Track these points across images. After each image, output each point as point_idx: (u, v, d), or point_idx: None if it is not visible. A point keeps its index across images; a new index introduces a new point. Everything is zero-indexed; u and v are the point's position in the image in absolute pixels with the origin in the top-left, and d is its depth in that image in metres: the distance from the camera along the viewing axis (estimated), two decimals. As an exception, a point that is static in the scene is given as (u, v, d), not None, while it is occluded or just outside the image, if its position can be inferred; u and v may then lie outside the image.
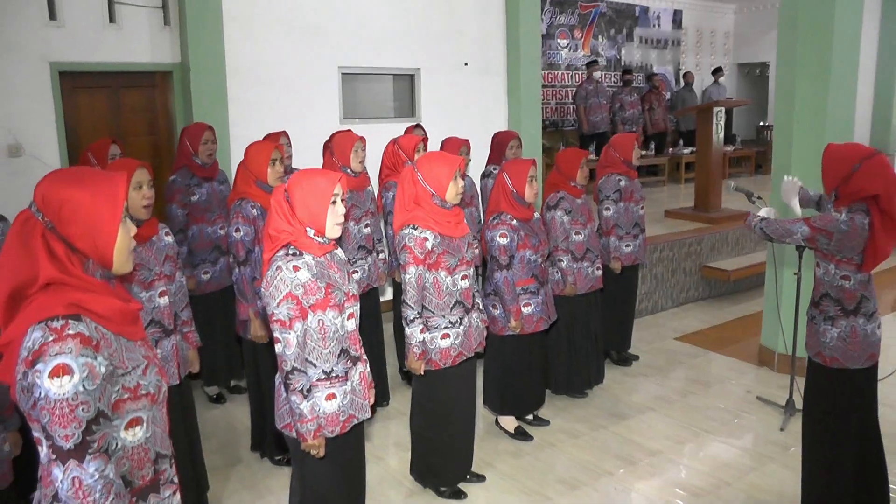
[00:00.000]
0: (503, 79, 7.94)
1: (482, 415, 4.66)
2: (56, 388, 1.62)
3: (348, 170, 4.56)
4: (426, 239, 3.44)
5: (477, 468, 4.04)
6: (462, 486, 3.88)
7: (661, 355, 5.78)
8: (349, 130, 5.19)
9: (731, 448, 4.28)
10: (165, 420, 1.97)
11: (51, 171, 1.85)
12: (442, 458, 3.78)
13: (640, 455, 4.20)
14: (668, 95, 12.05)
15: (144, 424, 1.84)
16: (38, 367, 1.63)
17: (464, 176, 5.25)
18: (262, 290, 2.66)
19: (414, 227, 3.46)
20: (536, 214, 4.36)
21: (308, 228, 2.69)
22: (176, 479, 2.00)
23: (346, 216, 4.41)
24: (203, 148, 4.77)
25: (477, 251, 5.11)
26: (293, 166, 5.24)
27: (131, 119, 6.11)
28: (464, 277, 3.58)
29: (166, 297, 3.25)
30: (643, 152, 10.69)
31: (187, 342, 3.47)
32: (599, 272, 4.86)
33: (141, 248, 3.19)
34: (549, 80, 11.13)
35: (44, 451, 1.68)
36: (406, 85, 7.59)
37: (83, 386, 1.65)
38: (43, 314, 1.67)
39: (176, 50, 6.12)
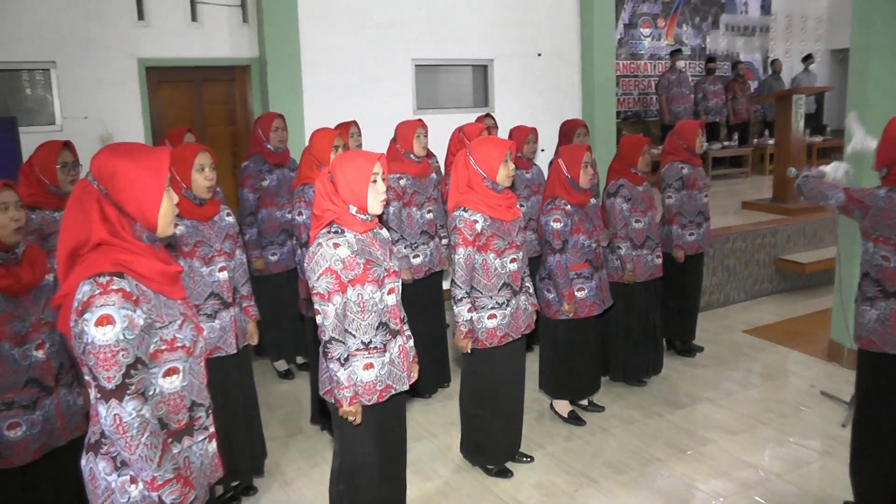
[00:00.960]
0: (577, 68, 7.94)
1: (537, 398, 4.73)
2: (100, 335, 1.84)
3: (411, 156, 4.70)
4: (476, 221, 3.54)
5: (527, 449, 4.12)
6: (509, 465, 3.96)
7: (727, 347, 5.69)
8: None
9: (787, 441, 4.20)
10: (203, 373, 2.17)
11: (106, 145, 2.05)
12: (489, 436, 3.88)
13: (692, 444, 4.18)
14: (754, 85, 11.69)
15: (181, 374, 2.04)
16: (86, 316, 1.85)
17: (516, 160, 5.34)
18: (305, 264, 2.82)
19: (465, 210, 3.57)
20: (593, 200, 4.38)
21: (351, 206, 2.83)
22: (212, 428, 2.19)
23: (409, 202, 4.60)
24: (274, 135, 5.00)
25: (533, 236, 5.20)
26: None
27: (212, 110, 6.45)
28: (513, 260, 3.66)
29: (226, 272, 3.46)
30: (726, 143, 10.46)
31: (247, 315, 3.67)
32: (659, 260, 4.84)
33: (203, 227, 3.41)
34: (632, 69, 11.00)
35: (92, 392, 1.91)
36: (479, 75, 7.68)
37: (123, 335, 1.86)
38: (92, 270, 1.89)
39: (254, 45, 6.42)
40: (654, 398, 4.80)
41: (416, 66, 7.21)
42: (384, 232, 3.05)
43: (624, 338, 4.89)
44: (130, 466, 1.95)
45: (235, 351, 3.55)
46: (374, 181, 2.83)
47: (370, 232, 2.91)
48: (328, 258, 2.75)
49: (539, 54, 7.72)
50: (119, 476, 1.98)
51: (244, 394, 3.72)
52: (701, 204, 5.22)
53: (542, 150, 6.99)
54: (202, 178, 3.36)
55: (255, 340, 3.76)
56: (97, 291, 1.86)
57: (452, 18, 7.25)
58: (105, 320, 1.85)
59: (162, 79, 6.17)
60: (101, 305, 1.85)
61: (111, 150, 2.02)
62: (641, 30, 11.01)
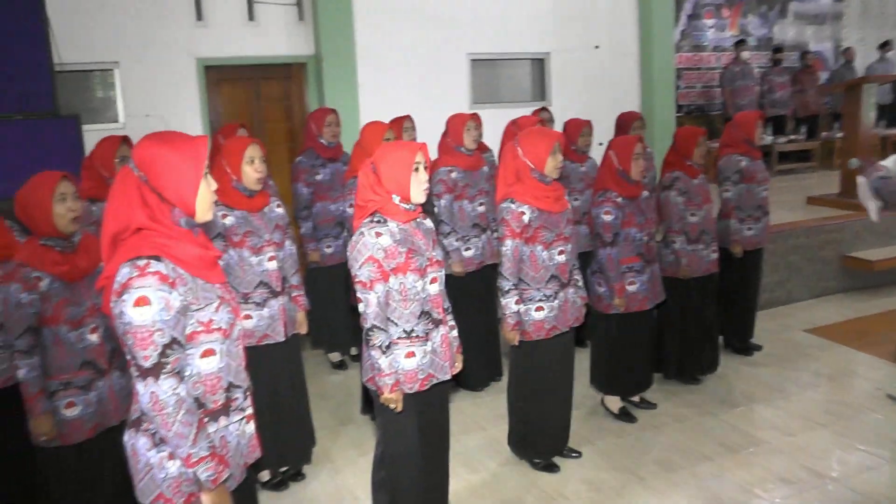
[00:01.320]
0: (635, 60, 7.83)
1: (589, 394, 4.68)
2: (138, 315, 1.91)
3: (462, 149, 4.71)
4: (523, 213, 3.53)
5: (575, 444, 4.07)
6: (557, 460, 3.93)
7: (787, 346, 5.50)
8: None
9: (846, 444, 4.03)
10: (242, 356, 2.22)
11: (146, 134, 2.11)
12: (536, 430, 3.85)
13: (744, 443, 4.07)
14: (824, 75, 11.29)
15: (218, 355, 2.09)
16: (125, 297, 1.92)
17: (570, 153, 5.29)
18: (348, 253, 2.85)
19: (512, 202, 3.56)
20: (645, 192, 4.31)
21: (394, 196, 2.84)
22: (249, 409, 2.24)
23: (461, 195, 4.61)
24: (327, 130, 5.07)
25: (586, 230, 5.13)
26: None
27: (269, 107, 6.58)
28: (560, 252, 3.63)
29: (275, 262, 3.53)
30: (792, 136, 10.14)
31: (296, 304, 3.73)
32: (715, 255, 4.73)
33: (253, 217, 3.49)
34: (694, 62, 10.75)
35: (133, 370, 1.98)
36: (536, 69, 7.64)
37: (160, 315, 1.93)
38: (131, 254, 1.96)
39: (310, 42, 6.52)
40: (708, 397, 4.69)
41: (472, 60, 7.21)
42: (427, 222, 3.05)
43: (678, 335, 4.79)
44: (167, 443, 2.00)
45: (284, 339, 3.61)
46: (417, 170, 2.84)
47: (413, 221, 2.92)
48: (370, 247, 2.77)
49: (597, 47, 7.64)
50: (158, 452, 2.04)
51: (293, 381, 3.78)
52: (760, 198, 5.07)
53: (601, 144, 6.88)
54: (252, 170, 3.43)
55: (304, 329, 3.81)
56: (135, 274, 1.92)
57: (508, 12, 7.23)
58: (142, 301, 1.91)
59: (220, 77, 6.33)
60: (139, 287, 1.91)
61: (151, 138, 2.08)
62: (705, 20, 10.74)
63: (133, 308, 1.91)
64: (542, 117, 6.00)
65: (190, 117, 6.19)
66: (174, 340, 1.97)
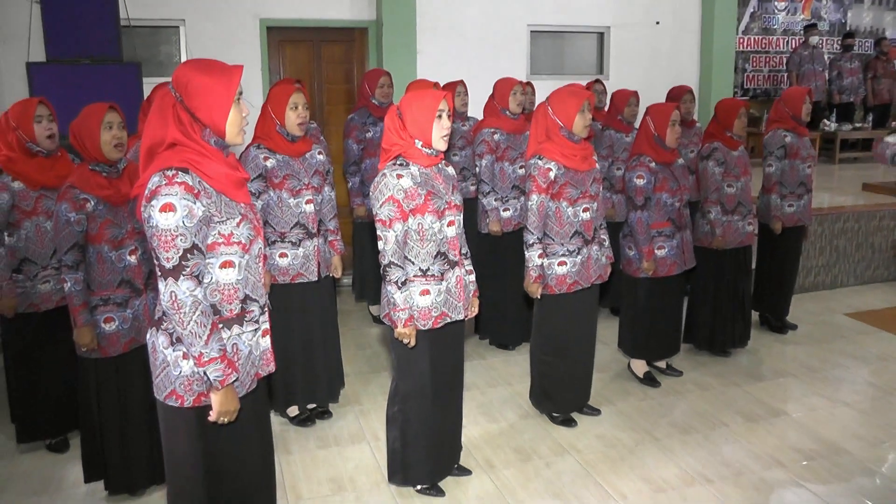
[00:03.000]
0: (696, 38, 7.75)
1: (617, 358, 4.75)
2: (163, 220, 2.09)
3: (507, 112, 4.80)
4: (550, 170, 3.62)
5: (596, 403, 4.16)
6: (576, 416, 4.02)
7: (824, 328, 5.44)
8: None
9: (867, 421, 4.01)
10: (261, 273, 2.39)
11: (186, 60, 2.29)
12: (556, 384, 3.95)
13: (764, 414, 4.08)
14: (902, 64, 10.91)
15: (236, 268, 2.26)
16: (153, 203, 2.10)
17: (616, 122, 5.33)
18: (371, 192, 2.99)
19: (540, 158, 3.65)
20: (680, 160, 4.33)
21: (416, 141, 2.97)
22: (266, 325, 2.41)
23: (502, 157, 4.71)
24: (379, 91, 5.22)
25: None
26: (469, 114, 5.55)
27: (330, 70, 6.77)
28: (585, 210, 3.70)
29: (311, 205, 3.70)
30: (859, 124, 9.86)
31: (332, 249, 3.91)
32: (751, 228, 4.71)
33: (294, 161, 3.67)
34: (763, 45, 10.50)
35: (156, 270, 2.16)
36: (596, 42, 7.63)
37: (182, 221, 2.10)
38: (163, 165, 2.14)
39: (372, 8, 6.67)
40: (735, 368, 4.70)
41: (532, 31, 7.25)
42: (450, 169, 3.17)
43: (710, 306, 4.79)
44: (182, 342, 2.19)
45: (317, 279, 3.79)
46: (440, 117, 2.96)
47: (434, 167, 3.04)
48: (391, 187, 2.91)
49: (657, 22, 7.58)
50: (174, 351, 2.23)
51: (323, 321, 3.96)
52: (804, 175, 5.01)
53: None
54: (295, 116, 3.60)
55: (338, 273, 3.99)
56: (163, 182, 2.10)
57: (570, -16, 7.25)
58: (168, 207, 2.09)
59: (283, 38, 6.54)
60: (166, 195, 2.09)
61: (190, 63, 2.26)
62: (776, 3, 10.48)
63: (159, 213, 2.09)
64: (595, 89, 6.02)
65: (252, 76, 6.41)
66: (195, 246, 2.14)
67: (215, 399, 2.23)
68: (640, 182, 4.12)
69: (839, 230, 6.29)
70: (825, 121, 9.78)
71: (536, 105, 5.83)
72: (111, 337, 3.19)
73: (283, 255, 3.69)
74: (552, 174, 3.61)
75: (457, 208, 3.09)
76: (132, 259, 3.21)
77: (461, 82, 5.50)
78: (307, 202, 3.70)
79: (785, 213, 5.01)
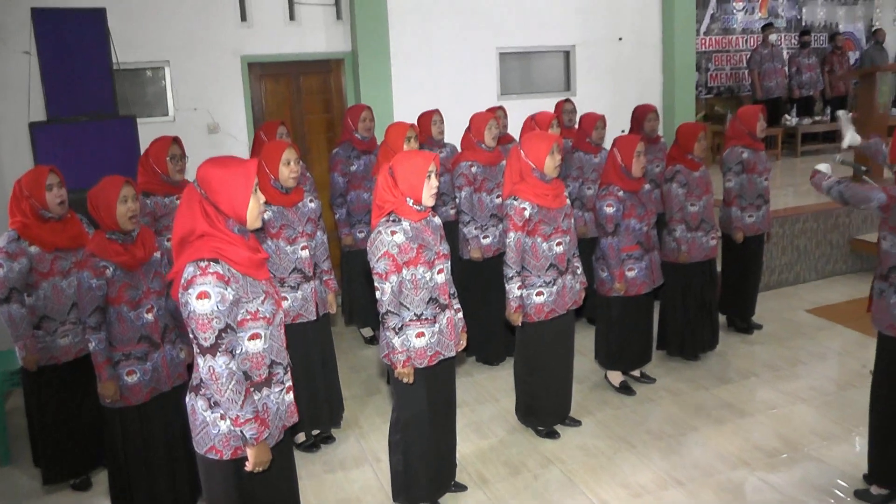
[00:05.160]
0: (658, 51, 8.10)
1: (594, 369, 5.11)
2: (199, 306, 2.42)
3: (483, 145, 5.11)
4: (525, 209, 3.96)
5: (577, 414, 4.53)
6: (559, 428, 4.39)
7: (787, 326, 5.86)
8: (490, 110, 5.76)
9: (822, 418, 4.40)
10: (282, 339, 2.72)
11: (207, 159, 2.60)
12: (539, 401, 4.31)
13: (730, 416, 4.47)
14: (855, 55, 11.36)
15: (263, 339, 2.59)
16: (189, 291, 2.42)
17: (585, 145, 5.69)
18: (368, 247, 3.32)
19: (515, 199, 4.00)
20: (646, 186, 4.69)
21: (408, 198, 3.30)
22: (288, 382, 2.75)
23: (480, 188, 5.04)
24: (362, 125, 5.52)
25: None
26: (446, 141, 5.88)
27: (309, 100, 7.06)
28: (558, 244, 4.06)
29: (307, 251, 4.03)
30: (819, 117, 10.29)
31: (327, 287, 4.23)
32: (714, 242, 5.09)
33: (288, 212, 3.98)
34: (724, 45, 10.94)
35: (195, 347, 2.49)
36: (562, 61, 7.97)
37: (217, 306, 2.43)
38: (195, 255, 2.47)
39: (347, 40, 6.97)
40: (705, 372, 5.09)
41: (501, 53, 7.58)
42: (436, 219, 3.50)
43: (680, 315, 5.18)
44: (220, 406, 2.52)
45: (315, 318, 4.12)
46: (429, 177, 3.29)
47: (423, 220, 3.37)
48: (386, 243, 3.23)
49: (620, 39, 7.93)
50: (212, 413, 2.56)
51: (324, 354, 4.30)
52: (761, 188, 5.40)
53: (623, 131, 7.25)
54: (287, 171, 3.91)
55: (333, 309, 4.31)
56: (198, 273, 2.43)
57: (535, 5, 7.57)
58: (203, 295, 2.41)
59: (263, 73, 6.82)
60: (200, 284, 2.41)
61: (210, 162, 2.58)
62: (734, 4, 10.90)
63: (196, 300, 2.41)
64: (565, 109, 6.38)
65: (234, 110, 6.68)
66: (228, 326, 2.47)
67: (251, 453, 2.56)
68: (609, 210, 4.48)
69: (799, 230, 6.70)
70: (786, 116, 10.20)
71: (508, 129, 6.24)
72: (133, 388, 3.50)
73: (283, 299, 4.00)
74: (527, 213, 3.96)
75: (445, 257, 3.43)
76: (149, 316, 3.51)
77: (437, 111, 5.82)
78: (303, 248, 4.02)
79: (745, 224, 5.40)
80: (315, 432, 4.41)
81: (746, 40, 11.02)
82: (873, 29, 11.49)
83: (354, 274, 5.70)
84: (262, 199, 2.63)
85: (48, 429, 4.02)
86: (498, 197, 5.15)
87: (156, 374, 3.56)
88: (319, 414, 4.31)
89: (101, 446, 3.92)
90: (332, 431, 4.51)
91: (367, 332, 6.08)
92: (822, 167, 3.73)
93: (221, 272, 2.45)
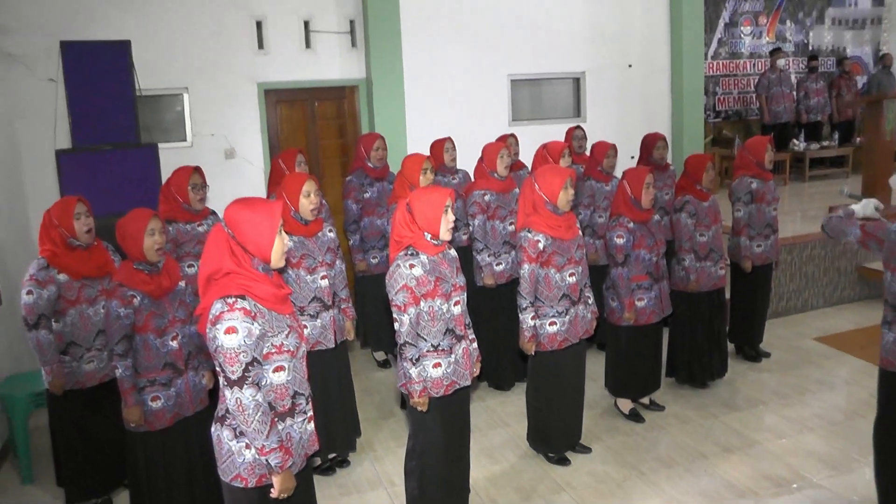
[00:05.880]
0: (667, 77, 8.23)
1: (604, 395, 5.19)
2: (227, 341, 2.52)
3: (495, 174, 5.23)
4: (538, 241, 4.07)
5: (587, 441, 4.61)
6: (569, 454, 4.47)
7: (795, 354, 5.93)
8: (499, 138, 5.89)
9: (829, 447, 4.47)
10: (304, 370, 2.83)
11: (234, 200, 2.72)
12: (550, 428, 4.40)
13: (739, 444, 4.55)
14: (862, 80, 11.47)
15: (286, 371, 2.70)
16: (218, 326, 2.53)
17: (596, 173, 5.80)
18: (386, 280, 3.43)
19: (529, 231, 4.10)
20: (656, 216, 4.79)
21: (426, 233, 3.41)
22: (310, 412, 2.85)
23: (493, 216, 5.15)
24: (374, 154, 5.65)
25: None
26: (458, 167, 6.00)
27: (324, 126, 7.20)
28: (571, 274, 4.16)
29: (326, 280, 4.13)
30: (825, 143, 10.38)
31: (345, 315, 4.34)
32: (722, 272, 5.18)
33: (308, 241, 4.09)
34: (731, 69, 11.08)
35: (221, 380, 2.60)
36: (572, 87, 8.11)
37: (244, 341, 2.54)
38: (223, 292, 2.58)
39: (362, 67, 7.12)
40: (713, 400, 5.17)
41: (512, 80, 7.72)
42: (452, 252, 3.61)
43: (689, 343, 5.26)
44: (246, 436, 2.62)
45: (334, 345, 4.22)
46: (446, 212, 3.40)
47: (440, 253, 3.48)
48: (405, 276, 3.34)
49: (630, 65, 8.06)
50: (238, 442, 2.66)
51: (341, 381, 4.40)
52: (770, 217, 5.49)
53: (632, 158, 7.38)
54: (308, 203, 4.02)
55: (351, 336, 4.41)
56: (225, 309, 2.54)
57: (545, 33, 7.72)
58: (231, 330, 2.52)
59: (279, 99, 6.97)
60: (228, 319, 2.53)
61: (238, 203, 2.70)
62: (742, 28, 11.04)
63: (224, 335, 2.52)
64: (576, 135, 6.51)
65: (251, 135, 6.83)
66: (254, 360, 2.58)
67: (276, 480, 2.67)
68: (619, 241, 4.58)
69: (807, 257, 6.79)
70: (794, 141, 10.29)
71: (520, 155, 6.36)
72: (157, 413, 3.61)
73: (303, 327, 4.11)
74: (541, 245, 4.06)
75: (461, 289, 3.53)
76: (174, 344, 3.63)
77: (449, 139, 5.94)
78: (322, 278, 4.13)
79: (754, 253, 5.49)
80: (331, 456, 4.50)
81: (754, 64, 11.15)
82: (881, 53, 11.60)
83: (368, 298, 5.81)
84: (286, 239, 2.75)
85: (72, 450, 4.13)
86: (511, 224, 5.26)
87: (179, 400, 3.67)
88: (336, 438, 4.40)
89: (123, 467, 4.03)
90: (348, 455, 4.59)
91: (380, 355, 6.18)
92: (857, 207, 3.74)
93: (248, 308, 2.55)
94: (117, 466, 4.15)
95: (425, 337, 3.43)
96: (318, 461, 4.44)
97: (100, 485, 4.21)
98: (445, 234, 3.43)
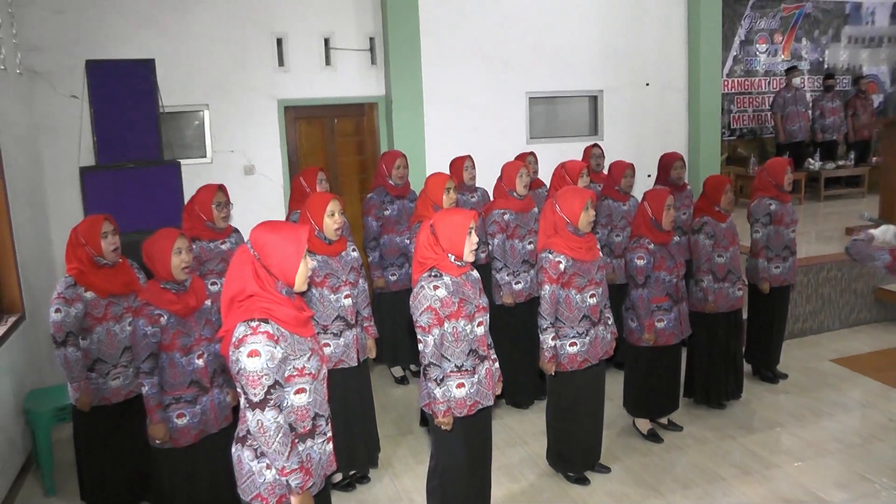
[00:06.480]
0: (684, 96, 8.26)
1: (622, 415, 5.20)
2: (250, 364, 2.56)
3: (514, 193, 5.27)
4: (559, 262, 4.10)
5: (606, 461, 4.62)
6: (588, 474, 4.48)
7: (811, 376, 5.93)
8: (518, 157, 5.94)
9: (848, 471, 4.47)
10: (325, 392, 2.86)
11: (261, 222, 2.77)
12: (570, 448, 4.42)
13: (757, 466, 4.55)
14: (879, 98, 11.46)
15: (307, 393, 2.73)
16: (241, 349, 2.57)
17: (614, 193, 5.83)
18: (411, 301, 3.47)
19: (550, 252, 4.14)
20: (675, 238, 4.82)
21: (449, 255, 3.45)
22: (329, 433, 2.88)
23: (512, 234, 5.18)
24: (396, 172, 5.70)
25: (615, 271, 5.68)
26: (477, 185, 6.05)
27: (343, 143, 7.27)
28: (592, 296, 4.19)
29: (350, 299, 4.17)
30: (840, 162, 10.38)
31: (367, 333, 4.38)
32: (740, 293, 5.20)
33: (332, 261, 4.13)
34: (746, 87, 11.08)
35: (243, 401, 2.64)
36: (590, 105, 8.16)
37: (266, 364, 2.57)
38: (246, 316, 2.61)
39: (381, 84, 7.19)
40: (730, 421, 5.17)
41: (530, 98, 7.78)
42: (475, 273, 3.65)
43: (706, 364, 5.27)
44: (267, 457, 2.65)
45: (356, 364, 4.26)
46: (470, 234, 3.44)
47: (463, 275, 3.52)
48: (429, 298, 3.38)
49: (647, 84, 8.11)
50: (258, 462, 2.69)
51: (363, 398, 4.43)
52: (788, 239, 5.51)
53: (649, 176, 7.41)
54: (332, 222, 4.07)
55: (373, 354, 4.45)
56: (248, 332, 2.57)
57: (563, 52, 7.78)
58: (254, 353, 2.56)
59: (298, 116, 7.04)
60: (251, 343, 2.56)
61: (265, 226, 2.74)
62: (757, 46, 11.05)
63: (247, 358, 2.56)
64: (593, 153, 6.56)
65: (270, 152, 6.90)
66: (276, 382, 2.61)
67: (296, 501, 2.70)
68: (640, 263, 4.61)
69: (823, 279, 6.79)
70: (809, 160, 10.29)
71: (540, 174, 6.40)
72: (183, 430, 3.66)
73: (325, 345, 4.14)
74: (562, 266, 4.10)
75: (484, 309, 3.57)
76: (200, 362, 3.68)
77: (468, 157, 5.99)
78: (346, 297, 4.17)
79: (772, 275, 5.50)
80: (351, 472, 4.53)
81: (769, 82, 11.16)
82: (898, 71, 11.60)
83: (386, 315, 5.85)
84: (311, 263, 2.79)
85: (96, 465, 4.19)
86: (530, 243, 5.29)
87: (204, 417, 3.71)
88: (357, 454, 4.43)
89: (146, 482, 4.08)
90: (367, 472, 4.62)
91: (398, 371, 6.22)
92: (876, 232, 3.73)
93: (271, 332, 2.59)
94: (140, 481, 4.20)
95: (449, 357, 3.47)
96: (338, 477, 4.47)
97: (123, 500, 4.25)
98: (469, 256, 3.47)
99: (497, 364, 3.74)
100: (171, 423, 3.63)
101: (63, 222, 5.65)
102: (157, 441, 3.65)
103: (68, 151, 6.01)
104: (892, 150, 7.66)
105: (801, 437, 4.91)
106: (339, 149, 7.26)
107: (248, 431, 2.68)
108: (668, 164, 6.22)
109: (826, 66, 11.48)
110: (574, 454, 4.44)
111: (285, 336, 2.65)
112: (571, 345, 4.20)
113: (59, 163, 6.06)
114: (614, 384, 5.35)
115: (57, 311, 3.93)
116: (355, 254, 4.31)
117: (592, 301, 4.20)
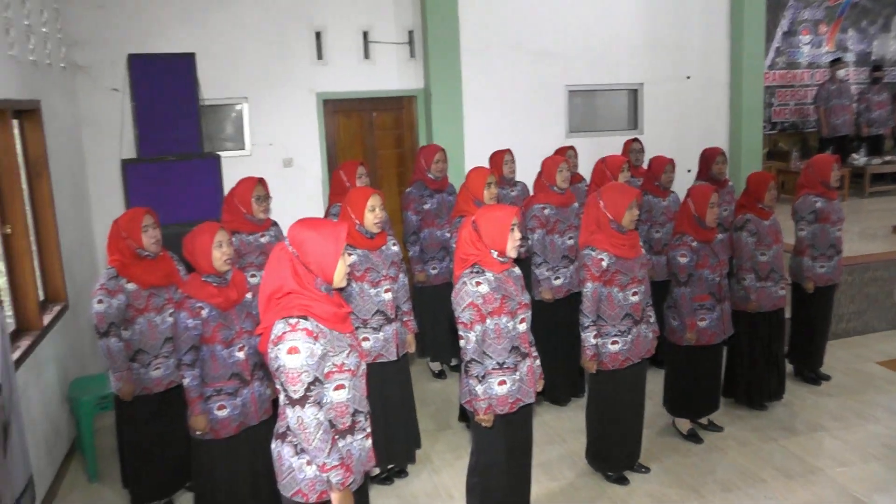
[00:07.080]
0: (725, 90, 8.12)
1: (662, 414, 5.13)
2: (290, 361, 2.55)
3: (554, 188, 5.22)
4: (602, 260, 4.05)
5: (645, 461, 4.56)
6: (627, 473, 4.43)
7: (856, 378, 5.80)
8: (558, 151, 5.88)
9: (893, 477, 4.35)
10: (364, 389, 2.85)
11: (299, 219, 2.76)
12: (610, 447, 4.37)
13: (800, 470, 4.46)
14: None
15: (347, 389, 2.72)
16: (280, 346, 2.56)
17: (653, 188, 5.75)
18: (453, 298, 3.44)
19: (593, 249, 4.09)
20: (719, 236, 4.74)
21: (492, 251, 3.42)
22: (368, 429, 2.87)
23: (552, 230, 5.14)
24: (435, 166, 5.67)
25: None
26: (517, 179, 6.01)
27: (381, 136, 7.27)
28: (634, 294, 4.13)
29: (390, 293, 4.17)
30: (889, 157, 10.13)
31: (406, 328, 4.37)
32: (783, 292, 5.09)
33: (372, 255, 4.13)
34: (788, 79, 10.87)
35: (282, 397, 2.63)
36: (630, 99, 8.06)
37: (306, 361, 2.56)
38: (285, 313, 2.61)
39: (420, 77, 7.17)
40: (772, 422, 5.07)
41: (570, 91, 7.70)
42: (517, 269, 3.61)
43: (747, 364, 5.18)
44: (307, 453, 2.65)
45: (396, 358, 4.25)
46: (512, 230, 3.41)
47: (506, 271, 3.49)
48: (471, 294, 3.36)
49: (688, 77, 7.99)
50: (298, 459, 2.70)
51: (402, 393, 4.43)
52: (834, 237, 5.38)
53: (689, 171, 7.30)
54: (372, 217, 4.06)
55: (412, 349, 4.44)
56: (288, 329, 2.57)
57: (604, 45, 7.69)
58: (293, 350, 2.55)
59: (337, 109, 7.06)
60: (291, 340, 2.55)
61: (303, 223, 2.73)
62: (801, 37, 10.81)
63: (286, 355, 2.55)
64: (633, 148, 6.47)
65: (308, 144, 6.93)
66: (316, 379, 2.61)
67: (336, 497, 2.69)
68: (683, 260, 4.54)
69: (869, 278, 6.63)
70: (854, 155, 10.05)
71: (579, 168, 6.34)
72: (223, 422, 3.68)
73: (365, 339, 4.14)
74: (604, 264, 4.05)
75: (526, 306, 3.53)
76: (240, 355, 3.69)
77: (508, 151, 5.95)
78: (386, 291, 4.16)
79: (816, 274, 5.39)
80: (390, 466, 4.53)
81: (812, 75, 10.93)
82: (950, 65, 11.26)
83: (426, 309, 5.84)
84: (349, 259, 2.77)
85: (138, 454, 4.23)
86: (570, 239, 5.24)
87: (244, 409, 3.73)
88: (396, 449, 4.43)
89: (187, 471, 4.12)
90: (406, 466, 4.62)
91: (436, 366, 6.21)
92: None
93: (311, 328, 2.58)
94: (180, 469, 4.25)
95: (491, 354, 3.45)
96: (376, 471, 4.48)
97: (164, 487, 4.31)
98: (512, 252, 3.44)
99: (538, 361, 3.70)
100: (212, 415, 3.65)
101: (105, 213, 5.73)
102: (197, 432, 3.67)
103: (110, 144, 6.09)
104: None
105: (844, 441, 4.80)
106: (378, 142, 7.26)
107: (288, 428, 2.68)
108: (709, 159, 6.11)
109: (873, 58, 11.19)
110: (614, 453, 4.40)
111: (324, 333, 2.64)
112: (613, 343, 4.15)
113: (102, 155, 6.15)
114: (654, 383, 5.27)
115: (100, 302, 3.97)
116: (396, 248, 4.30)
117: (635, 299, 4.14)
